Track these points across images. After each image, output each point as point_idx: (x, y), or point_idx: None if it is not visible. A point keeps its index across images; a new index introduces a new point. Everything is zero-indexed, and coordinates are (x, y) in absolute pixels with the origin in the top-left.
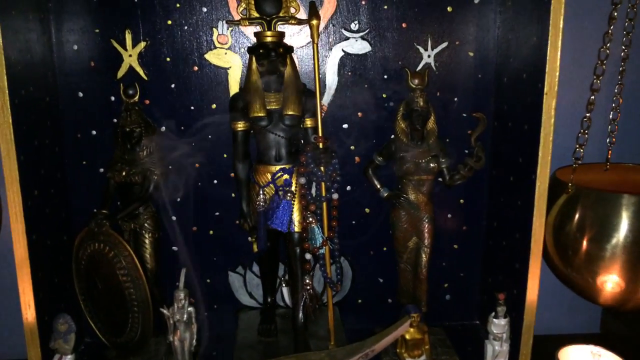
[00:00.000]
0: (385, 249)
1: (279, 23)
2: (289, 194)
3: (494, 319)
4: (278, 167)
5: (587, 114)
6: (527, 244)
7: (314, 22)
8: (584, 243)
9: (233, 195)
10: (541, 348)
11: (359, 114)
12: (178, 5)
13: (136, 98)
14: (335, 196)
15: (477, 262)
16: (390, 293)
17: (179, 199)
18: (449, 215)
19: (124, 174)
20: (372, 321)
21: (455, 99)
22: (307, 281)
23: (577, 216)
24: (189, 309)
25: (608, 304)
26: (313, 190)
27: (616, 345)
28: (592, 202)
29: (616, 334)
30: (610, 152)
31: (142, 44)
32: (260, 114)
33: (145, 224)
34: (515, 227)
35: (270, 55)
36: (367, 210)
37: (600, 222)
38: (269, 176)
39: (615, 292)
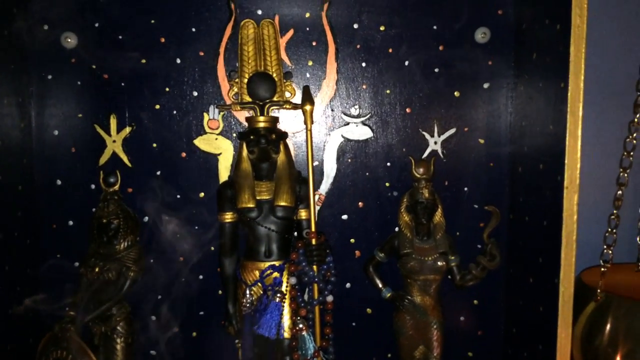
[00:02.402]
0: (389, 355)
1: (272, 108)
2: (278, 295)
3: None
4: (267, 264)
5: (615, 211)
6: (552, 357)
7: (308, 107)
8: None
9: (220, 292)
10: None
11: (360, 204)
12: (167, 89)
13: (116, 187)
14: (329, 299)
15: None
16: None
17: (159, 297)
18: (462, 318)
19: (97, 270)
20: None
21: (466, 189)
22: None
23: (608, 328)
24: None
25: None
26: (306, 295)
27: None
28: (625, 313)
29: None
30: None
31: (128, 129)
32: (249, 205)
33: (118, 327)
34: (537, 337)
35: (260, 142)
36: (369, 310)
37: (635, 337)
38: (257, 274)
39: None
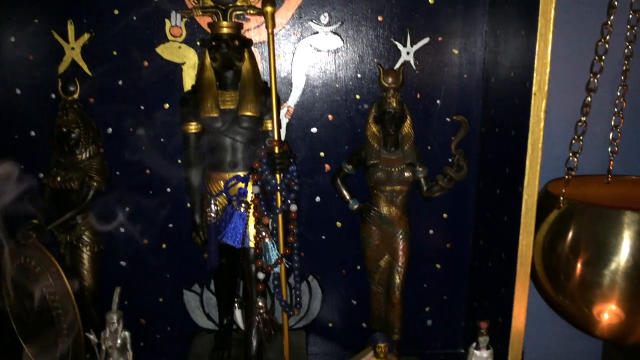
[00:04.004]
0: (359, 267)
1: (236, 13)
2: (243, 205)
3: (475, 350)
4: (232, 175)
5: (583, 118)
6: (513, 266)
7: (268, 9)
8: (578, 266)
9: (189, 205)
10: None
11: (330, 116)
12: None
13: (76, 95)
14: (293, 207)
15: (462, 284)
16: (364, 317)
17: (127, 209)
18: (431, 231)
19: (59, 179)
20: (344, 347)
21: (438, 102)
22: (260, 304)
23: (570, 235)
24: (124, 333)
25: (606, 337)
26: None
27: None
28: (587, 220)
29: None
30: (612, 162)
31: (86, 36)
32: (212, 115)
33: (83, 236)
34: (501, 247)
35: (221, 47)
36: (338, 224)
37: (597, 243)
38: (222, 184)
39: (614, 324)
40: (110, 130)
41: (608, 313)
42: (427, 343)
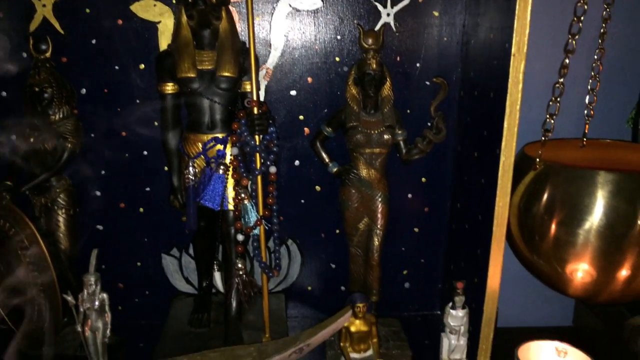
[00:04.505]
0: (338, 231)
1: None
2: (221, 167)
3: (451, 310)
4: (210, 137)
5: (560, 79)
6: (489, 227)
7: None
8: (552, 227)
9: (166, 168)
10: (505, 342)
11: (309, 79)
12: None
13: (48, 54)
14: (272, 169)
15: (439, 247)
16: (343, 280)
17: (103, 172)
18: (410, 195)
19: (31, 140)
20: (323, 310)
21: (418, 65)
22: (240, 265)
23: (545, 196)
24: (102, 295)
25: (578, 296)
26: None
27: (589, 340)
28: (562, 180)
29: (590, 327)
30: (587, 126)
31: None
32: (189, 75)
33: (58, 199)
34: (478, 209)
35: (198, 4)
36: (317, 188)
37: (570, 203)
38: (200, 146)
39: (586, 282)
40: (84, 91)
41: (581, 272)
42: (404, 305)
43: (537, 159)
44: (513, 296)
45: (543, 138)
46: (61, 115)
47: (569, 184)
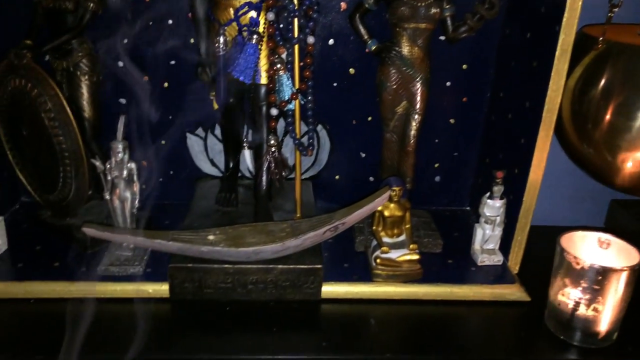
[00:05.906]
0: (370, 118)
1: None
2: (255, 36)
3: (488, 200)
4: (243, 2)
5: None
6: (538, 112)
7: None
8: (609, 112)
9: (192, 40)
10: (537, 238)
11: None
12: None
13: None
14: (310, 39)
15: (475, 141)
16: (373, 170)
17: (125, 41)
18: (448, 84)
19: None
20: (350, 200)
21: None
22: (272, 142)
23: (604, 79)
24: (130, 164)
25: (625, 187)
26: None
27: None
28: (625, 60)
29: (623, 227)
30: None
31: None
32: None
33: (81, 64)
34: (526, 95)
35: None
36: (351, 70)
37: (633, 84)
38: (232, 12)
39: (637, 172)
40: None
41: (632, 161)
42: (434, 199)
43: (601, 38)
44: (546, 194)
45: (610, 14)
46: None
47: (634, 64)
